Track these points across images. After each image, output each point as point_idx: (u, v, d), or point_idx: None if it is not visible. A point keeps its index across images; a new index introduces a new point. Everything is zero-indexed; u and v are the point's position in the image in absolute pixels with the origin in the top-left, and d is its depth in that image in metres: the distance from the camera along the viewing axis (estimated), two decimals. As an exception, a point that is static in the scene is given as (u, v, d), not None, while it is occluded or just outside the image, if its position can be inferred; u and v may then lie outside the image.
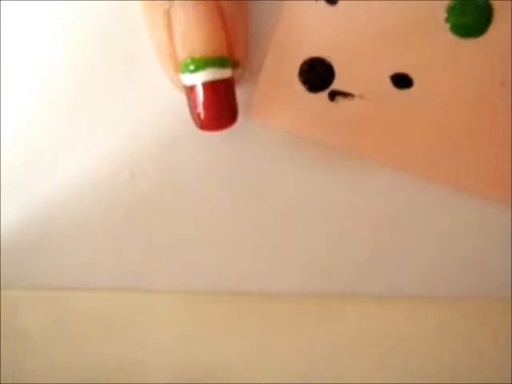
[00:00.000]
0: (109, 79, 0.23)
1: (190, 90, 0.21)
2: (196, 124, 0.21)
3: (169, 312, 0.24)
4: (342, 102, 0.23)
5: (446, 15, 0.22)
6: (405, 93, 0.22)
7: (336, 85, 0.22)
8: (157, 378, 0.24)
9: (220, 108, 0.21)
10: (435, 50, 0.22)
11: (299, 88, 0.23)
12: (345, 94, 0.22)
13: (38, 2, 0.23)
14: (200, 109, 0.21)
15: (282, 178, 0.24)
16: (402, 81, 0.22)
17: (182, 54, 0.20)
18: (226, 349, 0.24)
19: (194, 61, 0.20)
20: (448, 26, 0.22)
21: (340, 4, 0.22)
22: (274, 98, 0.23)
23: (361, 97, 0.22)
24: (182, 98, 0.22)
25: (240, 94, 0.21)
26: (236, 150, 0.24)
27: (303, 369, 0.24)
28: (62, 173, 0.24)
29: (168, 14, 0.20)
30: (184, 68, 0.20)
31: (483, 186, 0.23)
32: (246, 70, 0.22)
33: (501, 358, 0.23)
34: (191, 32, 0.20)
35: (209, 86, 0.20)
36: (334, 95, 0.23)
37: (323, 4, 0.22)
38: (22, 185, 0.24)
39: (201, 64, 0.20)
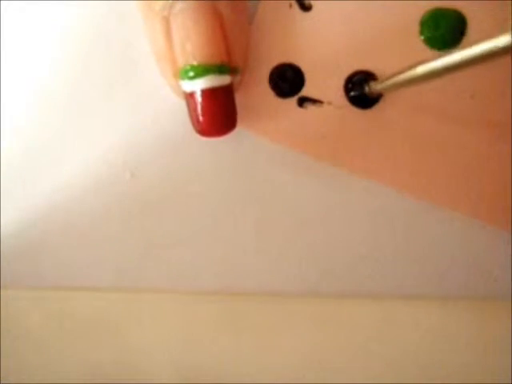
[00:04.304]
0: (109, 80, 0.23)
1: (190, 97, 0.21)
2: (195, 130, 0.21)
3: (169, 312, 0.24)
4: (310, 108, 0.22)
5: (419, 28, 0.22)
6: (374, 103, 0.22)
7: (305, 91, 0.22)
8: (156, 377, 0.24)
9: (219, 115, 0.21)
10: (407, 60, 0.22)
11: (269, 93, 0.23)
12: (313, 101, 0.22)
13: (38, 3, 0.23)
14: (199, 115, 0.21)
15: (282, 179, 0.24)
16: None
17: (182, 61, 0.20)
18: (226, 349, 0.24)
19: (193, 68, 0.20)
20: (422, 38, 0.22)
21: (314, 11, 0.22)
22: (245, 103, 0.22)
23: (329, 104, 0.22)
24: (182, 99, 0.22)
25: (238, 99, 0.21)
26: (235, 151, 0.24)
27: (303, 369, 0.24)
28: (62, 173, 0.24)
29: (167, 21, 0.20)
30: (183, 75, 0.20)
31: (447, 196, 0.23)
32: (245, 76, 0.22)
33: (501, 358, 0.23)
34: (190, 39, 0.20)
35: (208, 93, 0.20)
36: (302, 101, 0.23)
37: (297, 10, 0.22)
38: (22, 185, 0.24)
39: (200, 71, 0.20)
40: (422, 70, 0.18)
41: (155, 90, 0.23)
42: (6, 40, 0.23)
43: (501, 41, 0.16)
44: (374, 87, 0.21)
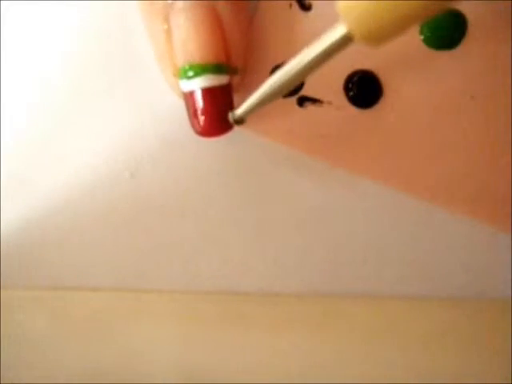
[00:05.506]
0: (109, 80, 0.23)
1: (188, 96, 0.21)
2: (194, 130, 0.21)
3: (169, 312, 0.24)
4: (310, 108, 0.23)
5: (419, 28, 0.22)
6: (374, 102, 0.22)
7: (305, 91, 0.23)
8: (156, 378, 0.24)
9: (217, 114, 0.21)
10: (407, 60, 0.22)
11: None
12: (313, 101, 0.22)
13: (39, 3, 0.23)
14: (198, 115, 0.21)
15: (282, 179, 0.24)
16: (372, 90, 0.22)
17: (181, 60, 0.20)
18: (226, 349, 0.24)
19: (192, 67, 0.20)
20: (422, 38, 0.22)
21: (314, 11, 0.22)
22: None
23: (329, 103, 0.22)
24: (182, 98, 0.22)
25: (237, 99, 0.21)
26: (235, 151, 0.24)
27: (303, 369, 0.24)
28: (62, 173, 0.24)
29: (167, 20, 0.20)
30: (182, 74, 0.20)
31: (446, 196, 0.23)
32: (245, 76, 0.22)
33: (501, 358, 0.23)
34: (190, 38, 0.20)
35: (206, 92, 0.20)
36: (302, 101, 0.23)
37: (297, 10, 0.22)
38: (23, 185, 0.24)
39: (199, 70, 0.20)
40: (278, 81, 0.19)
41: (155, 89, 0.23)
42: (6, 40, 0.23)
43: (338, 32, 0.17)
44: (237, 114, 0.21)
